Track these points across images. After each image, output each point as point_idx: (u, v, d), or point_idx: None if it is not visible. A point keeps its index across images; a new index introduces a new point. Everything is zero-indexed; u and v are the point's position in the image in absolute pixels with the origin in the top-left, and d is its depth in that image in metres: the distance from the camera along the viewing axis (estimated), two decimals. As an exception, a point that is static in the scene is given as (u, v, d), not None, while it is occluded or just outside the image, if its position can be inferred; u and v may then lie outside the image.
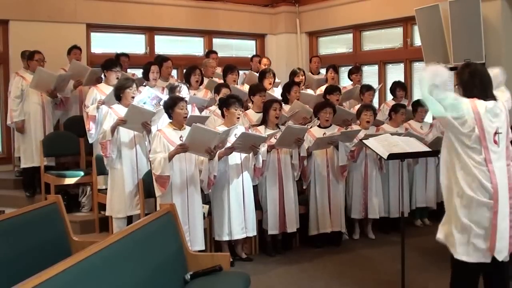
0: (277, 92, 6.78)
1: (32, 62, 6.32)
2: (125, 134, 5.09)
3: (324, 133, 5.54)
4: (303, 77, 7.06)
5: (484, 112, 3.16)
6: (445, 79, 3.20)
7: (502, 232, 3.14)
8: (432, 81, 3.14)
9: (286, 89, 6.30)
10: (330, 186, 5.56)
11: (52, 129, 6.46)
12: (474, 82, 3.24)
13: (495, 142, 3.17)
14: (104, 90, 5.78)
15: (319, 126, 5.68)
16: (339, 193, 5.63)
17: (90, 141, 5.79)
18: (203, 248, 4.71)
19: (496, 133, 3.18)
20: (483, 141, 3.15)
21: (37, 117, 6.31)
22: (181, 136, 4.62)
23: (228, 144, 4.82)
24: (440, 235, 3.35)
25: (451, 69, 6.72)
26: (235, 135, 4.85)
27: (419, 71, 3.26)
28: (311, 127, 5.75)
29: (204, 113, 5.84)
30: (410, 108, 6.59)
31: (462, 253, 3.19)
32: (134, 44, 8.47)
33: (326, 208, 5.54)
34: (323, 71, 8.16)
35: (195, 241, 4.64)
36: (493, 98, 3.26)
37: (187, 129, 4.60)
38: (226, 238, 4.97)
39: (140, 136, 5.16)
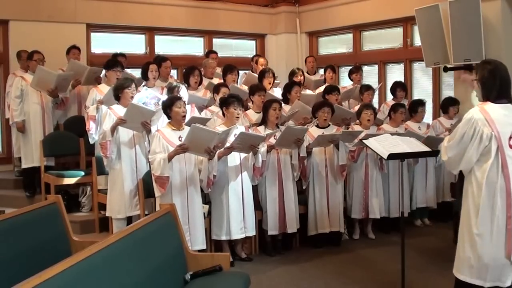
0: (277, 92, 6.77)
1: (32, 62, 6.33)
2: (124, 134, 5.09)
3: (323, 133, 5.54)
4: (302, 77, 7.05)
5: (497, 117, 3.14)
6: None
7: None
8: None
9: (287, 89, 6.30)
10: (329, 186, 5.56)
11: (52, 129, 6.46)
12: (494, 82, 3.19)
13: (511, 146, 3.14)
14: (104, 90, 5.79)
15: (317, 126, 5.67)
16: (338, 193, 5.63)
17: (91, 141, 5.79)
18: (204, 247, 4.71)
19: (511, 137, 3.15)
20: (499, 144, 3.12)
21: (37, 118, 6.30)
22: (180, 137, 4.62)
23: (227, 144, 4.82)
24: (455, 270, 3.30)
25: (451, 69, 6.76)
26: (234, 135, 4.85)
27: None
28: (312, 127, 5.75)
29: (203, 113, 5.85)
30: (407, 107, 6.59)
31: (477, 277, 3.16)
32: (134, 44, 8.46)
33: (324, 208, 5.53)
34: (321, 71, 8.16)
35: (196, 240, 4.64)
36: (510, 100, 3.21)
37: (186, 129, 4.60)
38: (224, 237, 4.97)
39: (140, 136, 5.16)
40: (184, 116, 4.74)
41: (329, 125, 5.68)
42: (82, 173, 6.03)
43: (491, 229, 3.13)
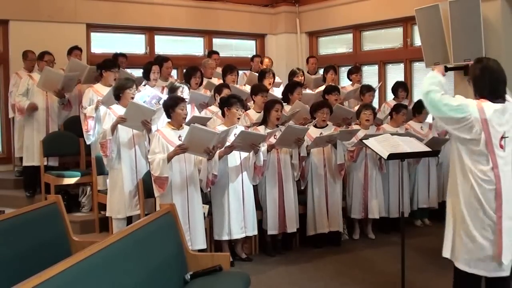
0: (276, 92, 6.77)
1: (42, 63, 6.36)
2: (124, 134, 5.09)
3: (321, 133, 5.53)
4: (302, 77, 7.05)
5: (491, 115, 3.10)
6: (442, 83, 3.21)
7: (508, 232, 3.10)
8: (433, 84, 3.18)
9: (289, 89, 6.29)
10: (328, 186, 5.56)
11: (56, 130, 6.45)
12: (484, 80, 3.17)
13: (501, 146, 3.12)
14: (100, 90, 5.77)
15: (315, 126, 5.66)
16: (337, 192, 5.63)
17: (88, 142, 5.78)
18: (204, 247, 4.71)
19: (502, 137, 3.12)
20: (489, 145, 3.09)
21: (41, 118, 6.31)
22: (179, 136, 4.62)
23: (228, 143, 4.82)
24: (446, 251, 3.29)
25: (451, 69, 6.76)
26: (234, 134, 4.85)
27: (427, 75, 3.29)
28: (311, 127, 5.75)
29: (203, 112, 5.85)
30: (410, 108, 6.59)
31: (465, 263, 3.16)
32: (134, 44, 8.47)
33: (323, 208, 5.53)
34: (321, 71, 8.16)
35: (196, 240, 4.64)
36: (504, 99, 3.18)
37: (186, 128, 4.59)
38: (225, 237, 4.97)
39: (139, 136, 5.15)
40: (185, 118, 4.74)
41: (327, 125, 5.68)
42: (81, 173, 6.01)
43: (480, 230, 3.11)
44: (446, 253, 3.28)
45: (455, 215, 3.23)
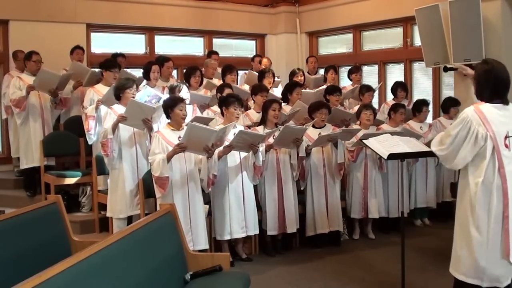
0: (276, 92, 6.77)
1: (30, 63, 6.30)
2: (124, 133, 5.09)
3: (319, 133, 5.52)
4: (302, 77, 7.05)
5: (492, 117, 3.12)
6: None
7: None
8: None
9: (288, 89, 6.29)
10: (327, 186, 5.55)
11: (51, 129, 6.45)
12: (487, 84, 3.18)
13: (506, 146, 3.13)
14: (101, 90, 5.77)
15: (313, 126, 5.65)
16: (336, 192, 5.62)
17: (90, 142, 5.78)
18: (206, 247, 4.70)
19: (506, 137, 3.14)
20: (495, 145, 3.11)
21: (36, 118, 6.30)
22: (179, 137, 4.62)
23: (227, 143, 4.82)
24: (452, 269, 3.31)
25: (451, 69, 6.76)
26: (233, 134, 4.85)
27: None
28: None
29: (205, 112, 5.85)
30: (409, 108, 6.60)
31: (474, 276, 3.16)
32: (134, 44, 8.46)
33: (323, 208, 5.52)
34: (321, 71, 8.16)
35: (198, 240, 4.64)
36: (506, 101, 3.19)
37: (186, 129, 4.60)
38: (227, 237, 4.97)
39: (140, 135, 5.15)
40: (184, 118, 4.74)
41: (325, 125, 5.68)
42: (82, 173, 6.02)
43: (487, 229, 3.12)
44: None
45: (461, 222, 3.24)
